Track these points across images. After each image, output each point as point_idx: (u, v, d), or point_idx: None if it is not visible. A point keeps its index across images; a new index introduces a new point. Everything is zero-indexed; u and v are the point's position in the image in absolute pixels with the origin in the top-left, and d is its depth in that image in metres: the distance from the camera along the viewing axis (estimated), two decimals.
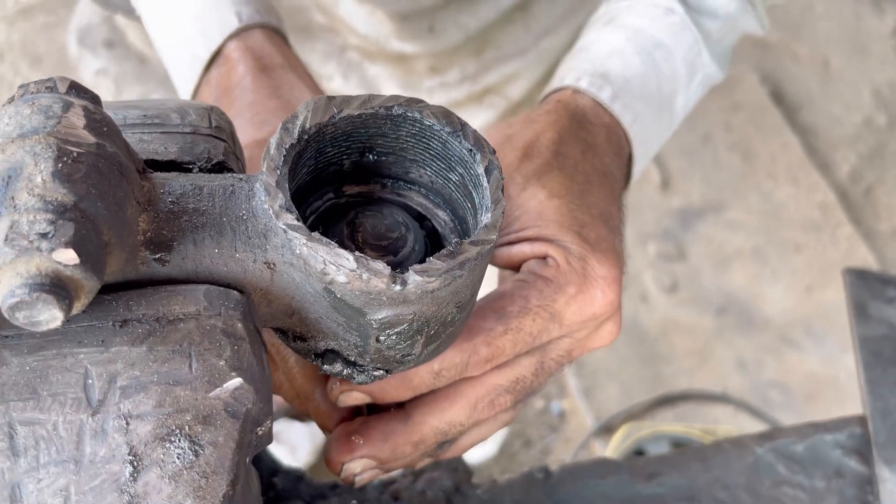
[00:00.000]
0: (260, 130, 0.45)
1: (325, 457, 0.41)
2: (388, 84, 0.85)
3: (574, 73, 0.51)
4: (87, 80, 2.31)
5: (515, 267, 0.42)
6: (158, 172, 0.30)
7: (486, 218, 0.30)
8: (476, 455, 1.45)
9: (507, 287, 0.40)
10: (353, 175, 0.34)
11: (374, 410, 0.41)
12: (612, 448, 1.19)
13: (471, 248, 0.29)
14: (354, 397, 0.38)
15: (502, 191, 0.31)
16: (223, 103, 0.47)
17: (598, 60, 0.51)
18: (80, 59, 2.59)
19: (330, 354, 0.32)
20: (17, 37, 2.24)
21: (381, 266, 0.28)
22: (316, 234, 0.28)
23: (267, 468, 0.51)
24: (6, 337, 0.26)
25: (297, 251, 0.28)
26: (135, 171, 0.29)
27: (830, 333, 1.84)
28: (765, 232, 2.00)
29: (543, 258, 0.41)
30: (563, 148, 0.45)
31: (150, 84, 2.07)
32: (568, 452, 1.66)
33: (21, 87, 0.28)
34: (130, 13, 1.12)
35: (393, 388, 0.38)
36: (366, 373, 0.33)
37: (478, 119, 0.87)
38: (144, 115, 0.33)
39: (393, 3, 0.76)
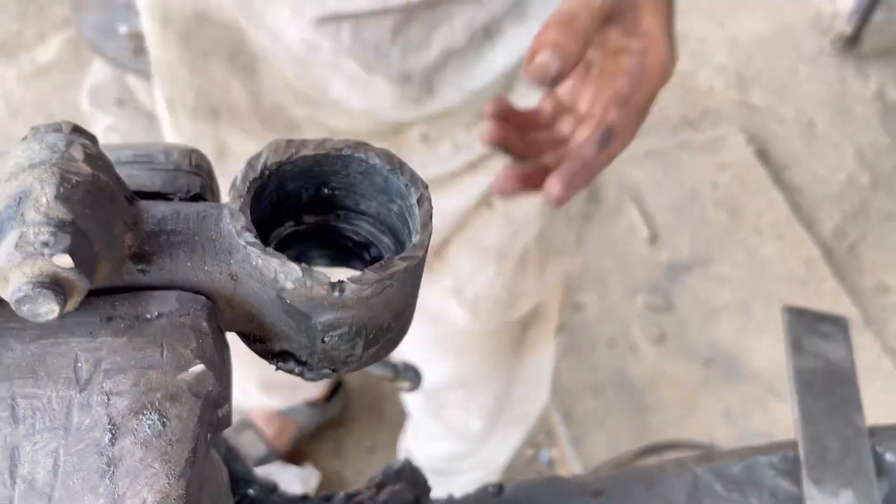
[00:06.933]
0: None
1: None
2: None
3: None
4: (98, 134, 2.40)
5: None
6: (145, 200, 0.37)
7: (415, 239, 0.36)
8: None
9: None
10: (311, 206, 0.40)
11: None
12: None
13: (400, 263, 0.35)
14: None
15: (430, 218, 0.37)
16: None
17: None
18: (92, 116, 2.69)
19: (284, 355, 0.38)
20: (31, 95, 2.34)
21: (322, 276, 0.34)
22: (270, 249, 0.34)
23: (243, 478, 0.56)
24: (12, 328, 0.32)
25: (255, 263, 0.34)
26: (123, 198, 0.35)
27: None
28: (751, 286, 2.04)
29: None
30: None
31: (157, 140, 2.15)
32: None
33: (33, 128, 0.34)
34: (140, 73, 1.18)
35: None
36: (314, 371, 0.38)
37: (484, 184, 0.88)
38: (135, 155, 0.39)
39: (395, 65, 0.78)
